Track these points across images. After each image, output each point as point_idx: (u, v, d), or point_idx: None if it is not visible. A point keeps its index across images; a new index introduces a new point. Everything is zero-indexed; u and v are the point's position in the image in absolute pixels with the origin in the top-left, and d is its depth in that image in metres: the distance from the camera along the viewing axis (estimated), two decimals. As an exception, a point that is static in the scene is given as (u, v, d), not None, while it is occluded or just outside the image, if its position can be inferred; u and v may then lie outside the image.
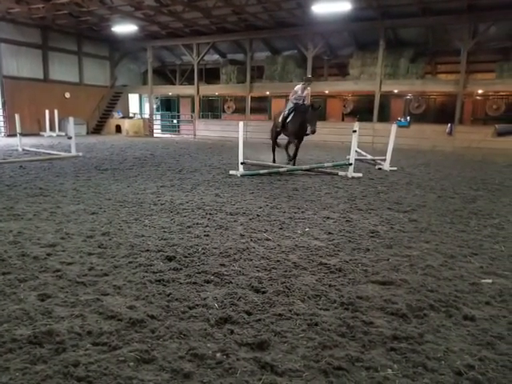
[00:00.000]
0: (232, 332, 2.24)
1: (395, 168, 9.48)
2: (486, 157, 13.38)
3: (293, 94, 9.28)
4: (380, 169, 9.56)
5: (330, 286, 2.89)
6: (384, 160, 9.69)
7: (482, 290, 2.87)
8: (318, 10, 15.05)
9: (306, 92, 9.14)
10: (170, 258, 3.33)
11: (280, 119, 9.44)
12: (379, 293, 2.78)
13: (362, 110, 21.94)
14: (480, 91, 20.00)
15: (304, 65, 21.23)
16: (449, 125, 17.49)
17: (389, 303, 2.62)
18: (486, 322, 2.41)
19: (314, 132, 8.61)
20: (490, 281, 3.03)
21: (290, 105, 9.21)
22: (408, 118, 19.42)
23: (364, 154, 10.92)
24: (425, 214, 5.17)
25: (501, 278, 3.11)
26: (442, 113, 20.79)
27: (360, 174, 8.37)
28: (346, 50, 22.24)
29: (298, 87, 9.21)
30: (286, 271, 3.15)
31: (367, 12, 18.00)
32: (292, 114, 9.03)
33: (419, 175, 8.74)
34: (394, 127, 9.72)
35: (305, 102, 9.04)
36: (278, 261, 3.36)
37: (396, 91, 20.50)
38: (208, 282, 2.91)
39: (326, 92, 22.39)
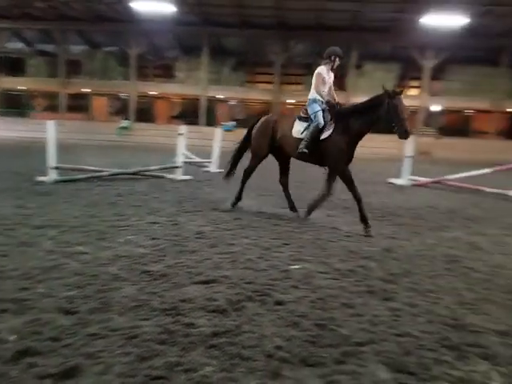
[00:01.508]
0: (32, 365, 1.95)
1: (223, 170, 9.99)
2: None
3: (318, 81, 5.28)
4: (207, 171, 9.95)
5: (152, 293, 2.82)
6: (211, 163, 10.12)
7: (291, 275, 3.26)
8: (139, 7, 14.73)
9: (331, 78, 5.41)
10: None
11: (295, 131, 5.27)
12: (202, 292, 2.86)
13: (190, 113, 22.53)
14: (292, 101, 22.98)
15: (127, 63, 20.46)
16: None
17: (210, 301, 2.71)
18: (293, 304, 2.74)
19: (407, 135, 4.72)
20: (298, 266, 3.48)
21: (317, 107, 5.16)
22: (234, 122, 20.84)
23: (192, 156, 11.18)
24: (247, 211, 5.60)
25: (307, 263, 3.60)
26: (262, 118, 23.07)
27: (188, 177, 8.52)
28: (171, 53, 22.44)
29: (323, 69, 5.27)
30: (103, 285, 2.92)
31: (191, 17, 18.56)
32: (334, 124, 5.04)
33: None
34: (219, 131, 10.30)
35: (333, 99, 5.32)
36: (95, 275, 3.10)
37: (221, 97, 21.73)
38: (3, 311, 2.46)
39: (153, 93, 22.09)
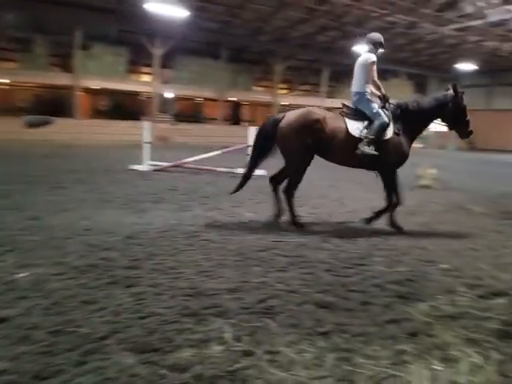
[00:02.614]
0: None
1: None
2: (22, 149, 13.46)
3: (374, 71, 4.78)
4: None
5: None
6: None
7: (17, 285, 2.84)
8: None
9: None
10: None
11: (353, 130, 4.70)
12: None
13: None
14: (6, 80, 19.73)
15: None
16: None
17: None
18: (20, 317, 2.40)
19: (470, 135, 5.14)
20: (26, 274, 3.06)
21: (374, 105, 4.77)
22: None
23: None
24: None
25: (36, 267, 3.21)
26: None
27: None
28: None
29: (371, 57, 4.82)
30: None
31: None
32: (391, 125, 4.77)
33: None
34: None
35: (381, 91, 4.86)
36: None
37: None
38: None
39: None
